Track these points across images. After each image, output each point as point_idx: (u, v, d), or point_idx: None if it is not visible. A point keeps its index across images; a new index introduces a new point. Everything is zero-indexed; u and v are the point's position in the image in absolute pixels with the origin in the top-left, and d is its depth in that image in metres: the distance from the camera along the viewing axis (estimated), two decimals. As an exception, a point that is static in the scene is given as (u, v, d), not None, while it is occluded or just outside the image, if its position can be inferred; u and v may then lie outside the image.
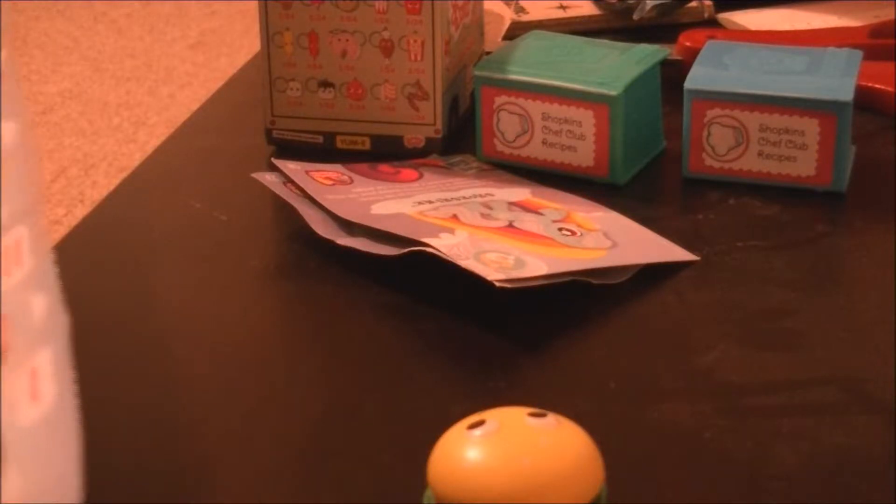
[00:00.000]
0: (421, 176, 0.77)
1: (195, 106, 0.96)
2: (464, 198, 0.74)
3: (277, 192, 0.73)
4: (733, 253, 0.70)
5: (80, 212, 2.19)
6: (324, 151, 0.82)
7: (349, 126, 0.82)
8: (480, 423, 0.48)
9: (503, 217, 0.71)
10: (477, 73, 0.79)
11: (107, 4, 3.07)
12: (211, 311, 0.68)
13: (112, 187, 0.82)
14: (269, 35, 0.82)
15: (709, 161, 0.77)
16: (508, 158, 0.80)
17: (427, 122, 0.81)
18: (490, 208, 0.72)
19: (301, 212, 0.71)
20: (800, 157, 0.75)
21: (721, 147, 0.76)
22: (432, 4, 0.79)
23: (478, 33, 0.89)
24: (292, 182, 0.74)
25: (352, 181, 0.75)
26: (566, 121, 0.77)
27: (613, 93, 0.75)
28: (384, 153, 0.81)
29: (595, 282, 0.66)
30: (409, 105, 0.81)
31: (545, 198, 0.75)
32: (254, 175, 0.74)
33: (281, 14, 0.81)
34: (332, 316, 0.66)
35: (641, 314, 0.65)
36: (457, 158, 0.81)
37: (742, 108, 0.75)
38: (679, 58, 0.90)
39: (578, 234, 0.70)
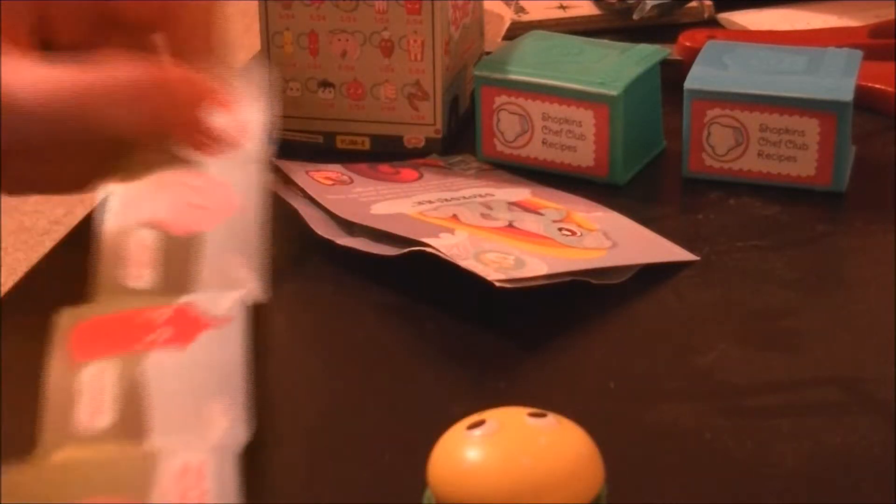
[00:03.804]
0: (421, 176, 0.77)
1: (195, 106, 0.96)
2: (464, 198, 0.74)
3: (298, 181, 0.73)
4: (733, 253, 0.70)
5: (80, 212, 2.18)
6: (324, 151, 0.82)
7: (349, 126, 0.82)
8: (480, 423, 0.48)
9: (503, 217, 0.71)
10: (477, 73, 0.79)
11: (107, 4, 3.06)
12: (211, 311, 0.68)
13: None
14: (269, 35, 0.82)
15: (709, 161, 0.77)
16: (508, 158, 0.80)
17: (427, 122, 0.81)
18: (490, 208, 0.72)
19: (301, 212, 0.71)
20: (800, 157, 0.75)
21: (721, 147, 0.76)
22: (432, 4, 0.79)
23: (478, 33, 0.89)
24: (292, 182, 0.74)
25: (352, 181, 0.75)
26: (566, 121, 0.77)
27: (613, 93, 0.75)
28: (384, 153, 0.81)
29: (595, 282, 0.66)
30: (409, 105, 0.81)
31: (545, 198, 0.75)
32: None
33: (281, 14, 0.81)
34: (332, 316, 0.66)
35: (641, 314, 0.65)
36: (457, 158, 0.81)
37: (742, 108, 0.75)
38: (679, 58, 0.90)
39: (578, 234, 0.70)
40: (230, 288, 0.65)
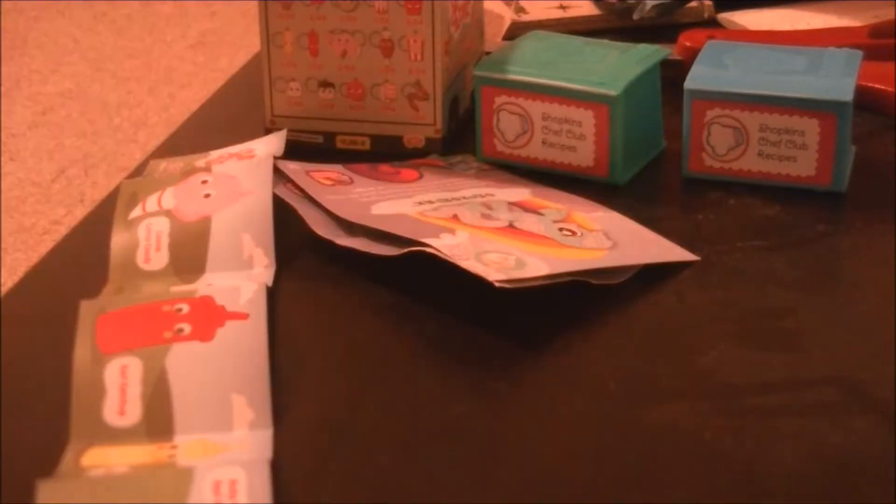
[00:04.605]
0: (421, 176, 0.77)
1: (195, 106, 0.96)
2: (464, 198, 0.74)
3: (298, 181, 0.73)
4: (733, 253, 0.70)
5: (80, 212, 2.18)
6: (324, 151, 0.82)
7: (349, 126, 0.82)
8: None
9: (503, 217, 0.71)
10: (477, 73, 0.79)
11: (107, 4, 3.07)
12: (211, 311, 0.68)
13: (112, 187, 0.82)
14: (269, 35, 0.82)
15: (709, 161, 0.77)
16: (508, 158, 0.80)
17: (427, 122, 0.81)
18: (490, 208, 0.72)
19: (301, 212, 0.71)
20: (800, 157, 0.75)
21: (721, 147, 0.76)
22: (432, 4, 0.79)
23: (478, 33, 0.89)
24: (292, 182, 0.74)
25: (352, 181, 0.75)
26: (566, 121, 0.77)
27: (613, 93, 0.75)
28: (384, 153, 0.81)
29: (595, 282, 0.66)
30: (409, 105, 0.81)
31: (545, 198, 0.75)
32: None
33: (281, 14, 0.81)
34: (333, 316, 0.66)
35: (641, 314, 0.65)
36: (457, 158, 0.81)
37: (742, 108, 0.75)
38: (679, 58, 0.90)
39: (579, 234, 0.70)
40: (241, 267, 0.65)
